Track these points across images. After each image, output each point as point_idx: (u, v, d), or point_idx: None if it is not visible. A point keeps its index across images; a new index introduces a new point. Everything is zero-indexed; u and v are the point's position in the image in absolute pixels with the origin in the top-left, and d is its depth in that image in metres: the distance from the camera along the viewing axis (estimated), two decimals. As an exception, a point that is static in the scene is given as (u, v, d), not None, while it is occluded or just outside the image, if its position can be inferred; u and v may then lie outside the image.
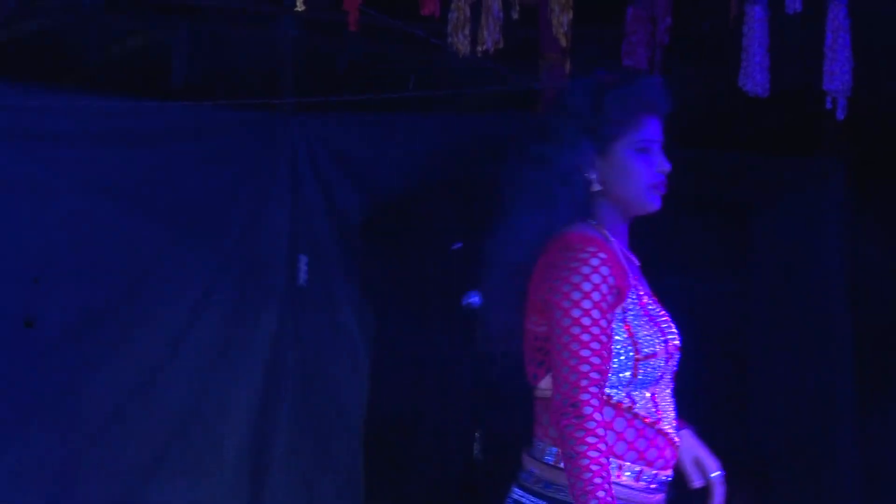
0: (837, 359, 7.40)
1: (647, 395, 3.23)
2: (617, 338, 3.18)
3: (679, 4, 5.18)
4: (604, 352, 3.13)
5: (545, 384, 3.21)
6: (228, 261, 6.37)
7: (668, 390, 3.29)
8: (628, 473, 3.22)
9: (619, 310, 3.19)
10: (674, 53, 5.21)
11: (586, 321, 3.13)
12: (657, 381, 3.25)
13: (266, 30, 6.78)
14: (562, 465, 3.16)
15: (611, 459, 3.17)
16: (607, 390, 3.18)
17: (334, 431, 6.44)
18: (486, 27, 5.14)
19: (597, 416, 3.10)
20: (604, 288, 3.14)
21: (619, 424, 3.21)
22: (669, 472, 3.29)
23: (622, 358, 3.20)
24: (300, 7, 5.37)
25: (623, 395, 3.20)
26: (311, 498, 6.40)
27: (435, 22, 5.26)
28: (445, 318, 6.42)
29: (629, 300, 3.21)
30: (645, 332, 3.22)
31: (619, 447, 3.20)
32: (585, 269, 3.16)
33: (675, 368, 3.31)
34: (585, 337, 3.12)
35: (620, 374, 3.20)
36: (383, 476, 6.95)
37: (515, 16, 5.11)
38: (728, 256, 7.54)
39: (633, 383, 3.21)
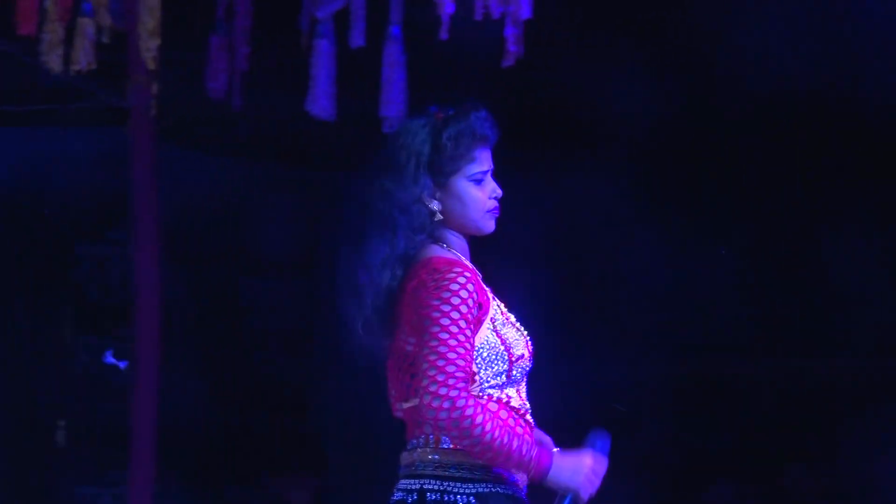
0: None
1: (516, 391, 3.39)
2: (492, 344, 3.32)
3: (257, 36, 5.31)
4: (468, 357, 3.26)
5: (413, 402, 3.34)
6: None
7: (525, 384, 3.45)
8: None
9: (487, 321, 3.33)
10: (254, 79, 5.36)
11: (454, 329, 3.24)
12: (523, 377, 3.42)
13: None
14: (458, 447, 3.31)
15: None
16: (490, 391, 3.32)
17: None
18: (80, 49, 5.17)
19: (471, 402, 3.22)
20: (470, 302, 3.27)
21: (503, 415, 3.34)
22: None
23: (499, 362, 3.34)
24: None
25: (502, 393, 3.34)
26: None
27: (30, 41, 5.21)
28: None
29: (493, 311, 3.35)
30: (513, 337, 3.37)
31: None
32: (454, 286, 3.27)
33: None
34: (452, 342, 3.24)
35: (498, 377, 3.34)
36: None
37: (106, 39, 5.15)
38: (299, 259, 7.74)
39: (507, 383, 3.36)
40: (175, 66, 5.73)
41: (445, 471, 3.34)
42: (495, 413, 3.28)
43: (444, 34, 4.62)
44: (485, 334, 3.34)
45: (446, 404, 3.22)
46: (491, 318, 3.34)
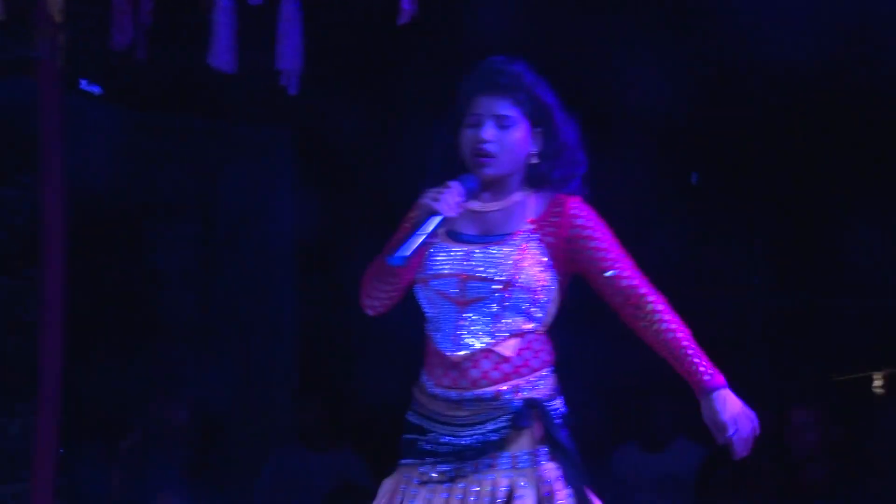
0: (283, 292, 7.84)
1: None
2: None
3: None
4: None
5: None
6: None
7: (453, 317, 3.55)
8: (428, 391, 3.56)
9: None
10: (159, 33, 5.40)
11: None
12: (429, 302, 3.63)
13: None
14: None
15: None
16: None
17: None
18: (-14, 2, 5.05)
19: None
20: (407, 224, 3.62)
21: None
22: (449, 390, 3.53)
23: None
24: None
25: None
26: None
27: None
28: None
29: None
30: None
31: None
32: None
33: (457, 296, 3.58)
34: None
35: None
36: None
37: (15, -8, 5.08)
38: (196, 204, 7.76)
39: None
40: (81, 18, 5.73)
41: None
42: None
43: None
44: None
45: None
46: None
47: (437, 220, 3.44)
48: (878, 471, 5.64)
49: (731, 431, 3.41)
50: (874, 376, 6.75)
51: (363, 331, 7.72)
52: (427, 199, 3.49)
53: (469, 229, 3.59)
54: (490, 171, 3.54)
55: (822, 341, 7.12)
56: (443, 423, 3.52)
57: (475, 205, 3.56)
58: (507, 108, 3.52)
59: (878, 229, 6.81)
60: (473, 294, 3.52)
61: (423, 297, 3.59)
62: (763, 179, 7.60)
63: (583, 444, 6.73)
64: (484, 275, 3.52)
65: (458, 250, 3.56)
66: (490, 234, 3.57)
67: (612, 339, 7.38)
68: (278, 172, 7.83)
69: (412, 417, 3.58)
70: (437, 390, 3.54)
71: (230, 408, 7.61)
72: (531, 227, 3.57)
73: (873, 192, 6.76)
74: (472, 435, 3.50)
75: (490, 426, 3.50)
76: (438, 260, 3.56)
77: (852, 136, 6.97)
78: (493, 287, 3.51)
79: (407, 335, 7.69)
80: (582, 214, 3.58)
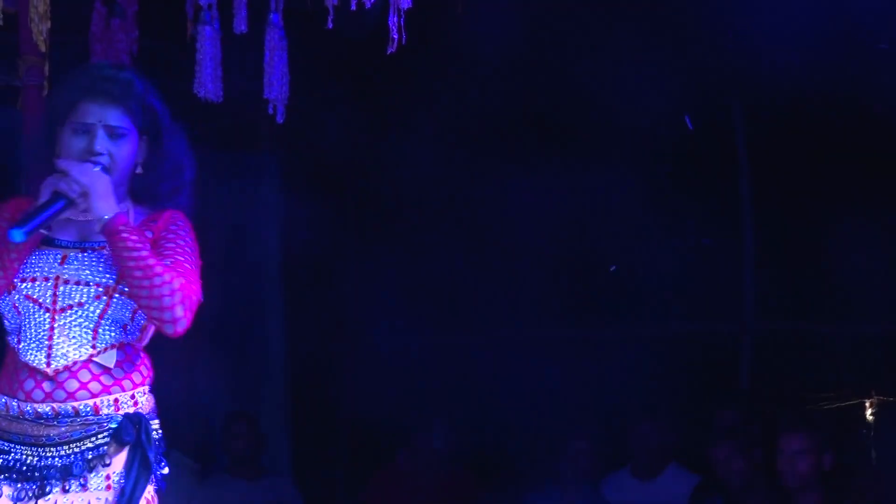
0: (272, 314, 7.73)
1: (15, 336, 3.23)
2: None
3: (148, 20, 5.23)
4: None
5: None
6: None
7: (46, 325, 3.23)
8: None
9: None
10: (144, 63, 5.15)
11: None
12: (19, 315, 3.25)
13: None
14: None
15: None
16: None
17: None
18: (-32, 30, 5.02)
19: None
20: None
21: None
22: (37, 405, 3.21)
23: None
24: None
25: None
26: None
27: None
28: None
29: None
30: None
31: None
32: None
33: (56, 298, 3.25)
34: None
35: None
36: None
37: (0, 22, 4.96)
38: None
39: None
40: (64, 47, 5.55)
41: None
42: None
43: (330, 24, 4.52)
44: None
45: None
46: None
47: (63, 204, 3.20)
48: (870, 499, 5.48)
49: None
50: (866, 403, 6.59)
51: (352, 351, 7.61)
52: (62, 181, 3.20)
53: (65, 235, 3.32)
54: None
55: (813, 367, 6.96)
56: (28, 445, 3.21)
57: (72, 213, 3.28)
58: (119, 119, 3.29)
59: (871, 253, 6.64)
60: (69, 300, 3.24)
61: (6, 303, 3.24)
62: (754, 201, 7.44)
63: (574, 470, 6.69)
64: (80, 278, 3.26)
65: (52, 254, 3.28)
66: (88, 241, 3.32)
67: (603, 364, 7.41)
68: (266, 198, 7.66)
69: None
70: (26, 407, 3.19)
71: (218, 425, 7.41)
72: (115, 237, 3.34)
73: (866, 216, 6.60)
74: (64, 454, 3.19)
75: (87, 443, 3.21)
76: (29, 263, 3.26)
77: (847, 160, 6.82)
78: (93, 292, 3.25)
79: (398, 356, 7.66)
80: (177, 222, 3.39)
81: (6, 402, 3.18)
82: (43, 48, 5.09)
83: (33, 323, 3.21)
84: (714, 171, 7.25)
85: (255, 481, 7.01)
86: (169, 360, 7.56)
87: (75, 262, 3.25)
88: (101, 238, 3.26)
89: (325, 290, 7.79)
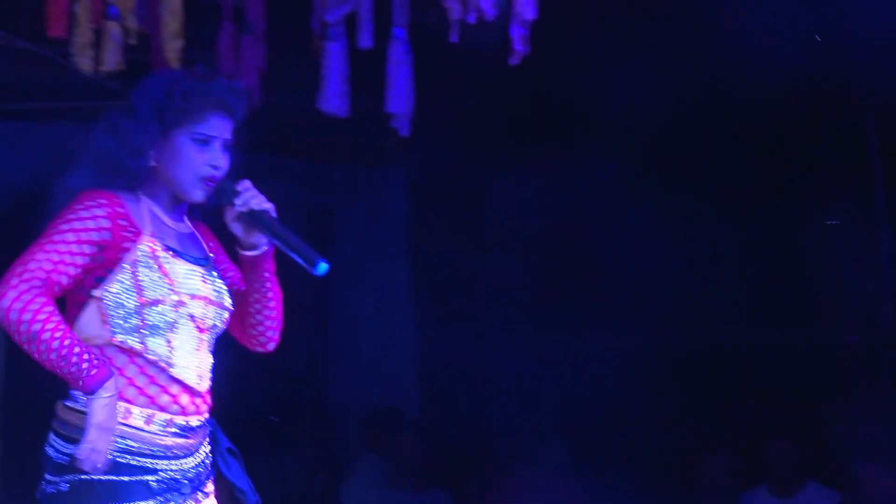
0: (402, 323, 7.75)
1: (163, 342, 3.09)
2: (124, 284, 3.05)
3: (274, 36, 5.21)
4: (56, 269, 3.00)
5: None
6: None
7: (192, 339, 3.15)
8: (137, 418, 3.07)
9: (127, 262, 3.06)
10: (275, 79, 5.25)
11: (57, 238, 3.02)
12: (170, 328, 3.10)
13: None
14: (77, 406, 3.04)
15: (120, 403, 3.04)
16: (120, 337, 3.04)
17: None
18: (107, 50, 5.07)
19: (27, 296, 2.95)
20: (90, 223, 3.04)
21: (131, 371, 3.07)
22: (189, 417, 3.15)
23: (128, 305, 3.06)
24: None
25: (136, 340, 3.06)
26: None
27: (62, 44, 5.11)
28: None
29: (139, 252, 3.07)
30: (150, 280, 3.07)
31: (130, 392, 3.07)
32: (78, 207, 3.06)
33: (197, 318, 3.17)
34: (48, 246, 3.02)
35: (129, 320, 3.06)
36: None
37: (133, 41, 5.06)
38: (315, 247, 7.71)
39: (143, 328, 3.06)
40: (195, 63, 5.61)
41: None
42: (62, 320, 2.98)
43: (453, 37, 4.48)
44: (119, 274, 3.07)
45: (12, 294, 2.96)
46: (134, 260, 3.08)
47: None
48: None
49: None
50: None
51: (483, 365, 7.58)
52: (260, 203, 3.20)
53: (185, 249, 3.23)
54: (207, 197, 3.22)
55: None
56: (169, 458, 3.15)
57: (165, 216, 3.22)
58: (231, 134, 3.24)
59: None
60: (210, 320, 3.21)
61: (164, 318, 3.11)
62: (745, 211, 7.32)
63: (711, 486, 6.55)
64: (222, 301, 3.25)
65: (195, 272, 3.20)
66: (198, 258, 3.25)
67: (736, 382, 7.28)
68: (393, 211, 7.65)
69: (124, 458, 3.09)
70: (180, 421, 3.14)
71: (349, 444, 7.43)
72: (212, 255, 3.32)
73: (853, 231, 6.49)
74: (192, 464, 3.18)
75: (202, 451, 3.22)
76: (184, 279, 3.18)
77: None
78: (225, 317, 3.25)
79: (534, 375, 7.62)
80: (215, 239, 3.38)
81: (152, 416, 3.11)
82: (175, 66, 5.12)
83: (185, 340, 3.16)
84: (848, 180, 7.06)
85: (419, 494, 6.82)
86: (300, 369, 7.71)
87: (209, 283, 3.22)
88: (200, 255, 3.25)
89: (454, 300, 7.77)
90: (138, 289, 3.06)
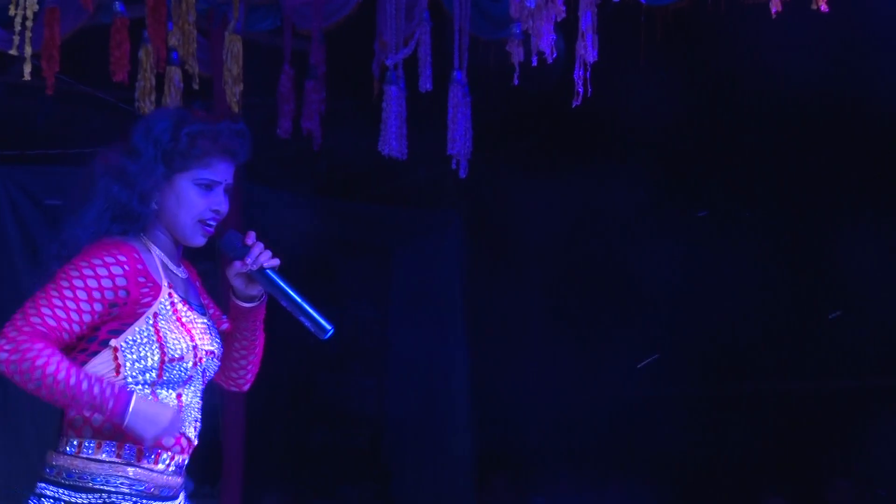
0: (457, 364, 7.65)
1: (174, 395, 3.03)
2: (145, 337, 2.97)
3: (334, 80, 5.23)
4: (63, 318, 2.90)
5: None
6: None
7: (198, 391, 3.09)
8: (147, 458, 3.01)
9: (148, 315, 2.98)
10: (336, 123, 5.26)
11: (67, 293, 2.91)
12: (185, 383, 3.04)
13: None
14: (81, 453, 2.98)
15: (131, 445, 2.98)
16: (133, 387, 2.96)
17: (34, 441, 6.26)
18: (168, 94, 5.09)
19: (36, 346, 2.86)
20: (105, 283, 2.93)
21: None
22: (184, 456, 3.07)
23: (150, 357, 2.98)
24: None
25: (147, 392, 2.98)
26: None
27: (124, 88, 5.14)
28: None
29: (160, 306, 2.98)
30: (174, 336, 2.99)
31: None
32: (96, 262, 2.94)
33: (207, 372, 3.11)
34: (56, 301, 2.91)
35: (147, 374, 2.97)
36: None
37: (196, 86, 5.08)
38: (372, 288, 7.74)
39: (159, 383, 2.99)
40: (255, 109, 5.64)
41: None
42: (64, 358, 2.87)
43: (516, 80, 4.46)
44: (140, 325, 2.96)
45: (7, 346, 2.85)
46: (154, 313, 2.98)
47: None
48: None
49: None
50: None
51: (536, 402, 7.53)
52: (269, 260, 3.05)
53: (189, 297, 3.12)
54: (205, 242, 3.09)
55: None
56: (170, 499, 3.07)
57: (170, 263, 3.08)
58: (233, 178, 3.10)
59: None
60: (213, 371, 3.15)
61: (182, 375, 3.02)
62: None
63: None
64: (221, 351, 3.16)
65: (205, 324, 3.11)
66: (200, 305, 3.14)
67: (790, 423, 7.17)
68: (449, 253, 7.65)
69: (120, 499, 3.00)
70: (179, 459, 3.07)
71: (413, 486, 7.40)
72: (203, 301, 3.19)
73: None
74: None
75: (181, 492, 3.12)
76: (207, 335, 3.11)
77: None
78: (217, 365, 3.16)
79: (586, 419, 7.55)
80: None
81: (159, 455, 3.04)
82: (236, 109, 5.16)
83: (194, 393, 3.11)
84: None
85: None
86: (357, 411, 7.68)
87: (213, 335, 3.16)
88: (200, 302, 3.16)
89: (509, 341, 7.73)
90: (161, 345, 3.00)
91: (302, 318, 3.05)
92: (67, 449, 2.99)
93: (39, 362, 2.85)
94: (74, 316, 2.91)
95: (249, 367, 3.26)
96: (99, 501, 2.97)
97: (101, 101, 6.26)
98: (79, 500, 2.97)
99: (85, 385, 2.86)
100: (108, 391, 2.87)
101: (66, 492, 2.97)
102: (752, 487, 6.67)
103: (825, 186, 7.06)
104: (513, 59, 4.47)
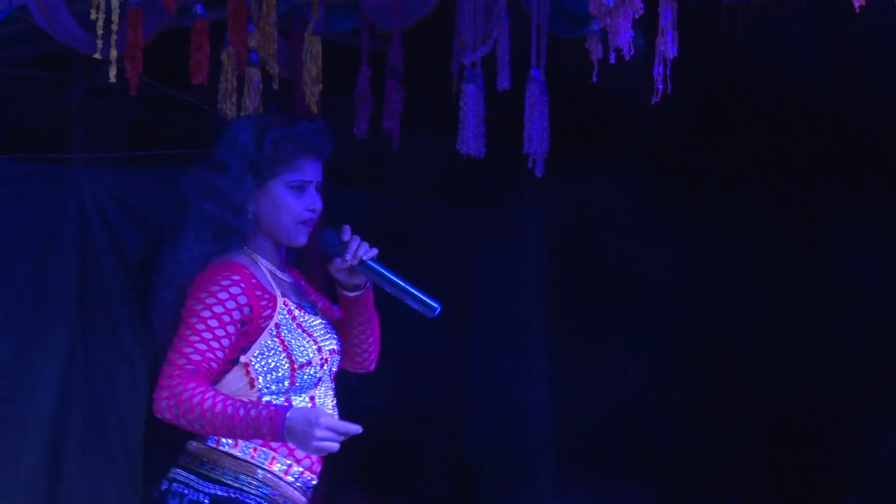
0: (536, 365, 7.64)
1: (307, 398, 3.06)
2: (272, 350, 3.01)
3: (412, 80, 5.21)
4: (209, 353, 2.95)
5: None
6: (22, 293, 6.21)
7: (328, 390, 3.12)
8: (279, 465, 3.05)
9: (270, 327, 3.01)
10: (413, 123, 5.23)
11: (200, 326, 2.96)
12: (315, 385, 3.08)
13: (57, 94, 6.74)
14: (219, 447, 3.03)
15: (266, 450, 3.02)
16: (268, 397, 3.00)
17: (116, 438, 6.34)
18: (247, 96, 5.07)
19: (189, 385, 2.91)
20: (229, 304, 2.97)
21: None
22: (314, 476, 3.10)
23: (280, 368, 3.02)
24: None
25: (282, 400, 3.02)
26: (97, 495, 6.31)
27: (205, 90, 5.17)
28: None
29: (280, 317, 3.03)
30: (298, 343, 3.04)
31: (275, 442, 3.02)
32: (214, 288, 2.98)
33: (333, 370, 3.15)
34: (193, 338, 2.95)
35: (279, 384, 3.02)
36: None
37: (275, 86, 5.07)
38: (451, 289, 7.72)
39: (291, 390, 3.04)
40: (334, 109, 5.63)
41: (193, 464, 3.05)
42: (218, 392, 2.93)
43: (594, 77, 4.42)
44: (265, 339, 3.00)
45: (165, 394, 2.91)
46: (276, 324, 3.02)
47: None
48: None
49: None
50: None
51: (616, 407, 7.46)
52: (368, 251, 3.09)
53: (302, 301, 3.15)
54: (307, 240, 3.13)
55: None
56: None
57: (276, 271, 3.12)
58: (321, 175, 3.14)
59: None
60: (336, 367, 3.19)
61: (312, 378, 3.06)
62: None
63: None
64: (338, 347, 3.20)
65: (322, 324, 3.14)
66: (313, 306, 3.18)
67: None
68: (528, 254, 7.62)
69: (244, 497, 3.03)
70: (307, 477, 3.09)
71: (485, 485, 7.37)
72: (312, 297, 3.22)
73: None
74: None
75: None
76: (327, 335, 3.13)
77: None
78: (339, 361, 3.20)
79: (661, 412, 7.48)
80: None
81: (290, 467, 3.08)
82: (315, 110, 5.15)
83: (325, 394, 3.13)
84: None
85: None
86: (437, 411, 7.66)
87: (331, 333, 3.18)
88: (312, 303, 3.19)
89: (588, 342, 7.66)
90: (288, 353, 3.04)
91: (409, 301, 3.08)
92: (207, 442, 3.04)
93: (195, 401, 2.91)
94: (214, 344, 2.97)
95: (371, 348, 3.29)
96: (224, 494, 3.02)
97: (183, 104, 6.31)
98: (205, 489, 3.02)
99: (242, 412, 2.91)
100: (263, 413, 2.91)
101: (195, 479, 3.03)
102: (752, 488, 6.58)
103: (825, 187, 7.01)
104: (592, 57, 4.42)
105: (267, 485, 3.03)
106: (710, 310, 7.38)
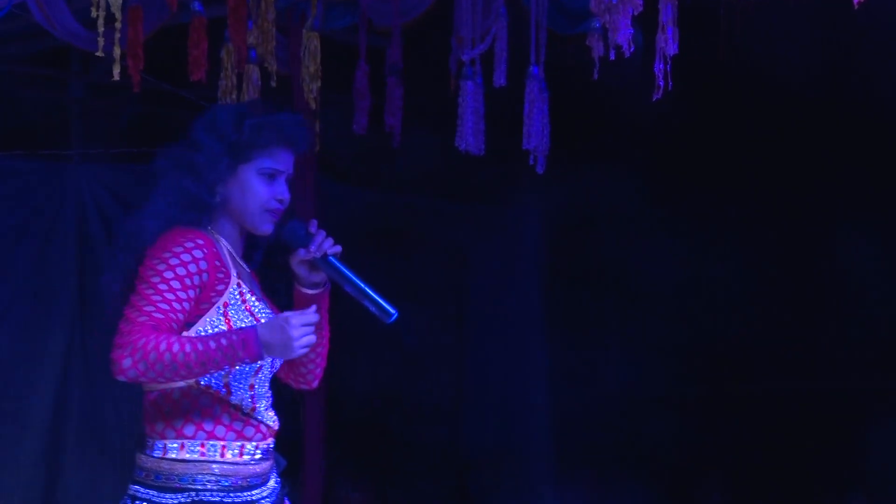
0: (534, 362, 7.62)
1: (245, 386, 3.06)
2: (215, 327, 3.00)
3: (410, 77, 5.19)
4: (167, 309, 2.92)
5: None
6: (21, 289, 6.20)
7: (266, 380, 3.11)
8: (231, 452, 3.03)
9: (219, 304, 3.00)
10: (412, 120, 5.21)
11: (162, 286, 2.93)
12: (255, 372, 3.07)
13: (56, 91, 6.73)
14: (167, 455, 3.01)
15: (214, 442, 3.01)
16: (203, 381, 2.98)
17: (114, 433, 6.32)
18: (246, 92, 5.06)
19: (151, 336, 2.87)
20: (191, 268, 2.96)
21: (217, 411, 3.03)
22: (269, 441, 3.10)
23: None
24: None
25: (221, 384, 3.02)
26: (95, 490, 6.29)
27: (203, 87, 5.15)
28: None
29: (230, 296, 3.02)
30: (243, 326, 3.00)
31: (220, 431, 3.03)
32: (178, 249, 2.97)
33: (276, 362, 3.12)
34: (155, 297, 2.91)
35: None
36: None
37: (273, 84, 5.06)
38: (449, 286, 7.71)
39: (231, 374, 3.03)
40: (332, 105, 5.61)
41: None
42: (179, 336, 2.90)
43: (595, 75, 4.39)
44: (212, 316, 2.99)
45: (126, 351, 2.86)
46: (225, 303, 3.01)
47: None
48: None
49: None
50: None
51: (617, 407, 7.44)
52: (332, 246, 3.07)
53: (255, 289, 3.14)
54: (272, 229, 3.11)
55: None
56: (260, 486, 3.09)
57: (236, 256, 3.12)
58: (293, 168, 3.14)
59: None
60: (278, 362, 3.16)
61: (252, 364, 3.01)
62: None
63: None
64: None
65: (269, 315, 3.10)
66: (263, 298, 3.16)
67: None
68: (527, 251, 7.61)
69: (229, 498, 3.03)
70: (263, 445, 3.09)
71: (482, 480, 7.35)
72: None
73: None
74: (265, 493, 3.11)
75: (272, 474, 3.14)
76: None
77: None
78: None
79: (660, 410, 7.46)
80: None
81: (242, 447, 3.06)
82: (314, 106, 5.14)
83: (264, 383, 3.12)
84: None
85: None
86: (435, 407, 7.65)
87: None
88: (261, 293, 3.18)
89: (588, 339, 7.64)
90: None
91: (366, 304, 3.03)
92: (154, 452, 3.02)
93: (162, 347, 2.87)
94: (176, 305, 2.94)
95: (318, 362, 3.24)
96: (188, 500, 3.00)
97: (182, 100, 6.28)
98: (169, 501, 3.00)
99: (213, 344, 2.88)
100: (234, 338, 2.89)
101: (155, 493, 3.01)
102: (751, 487, 6.57)
103: (825, 186, 6.99)
104: (593, 54, 4.39)
105: (225, 476, 3.02)
106: (709, 307, 7.36)
